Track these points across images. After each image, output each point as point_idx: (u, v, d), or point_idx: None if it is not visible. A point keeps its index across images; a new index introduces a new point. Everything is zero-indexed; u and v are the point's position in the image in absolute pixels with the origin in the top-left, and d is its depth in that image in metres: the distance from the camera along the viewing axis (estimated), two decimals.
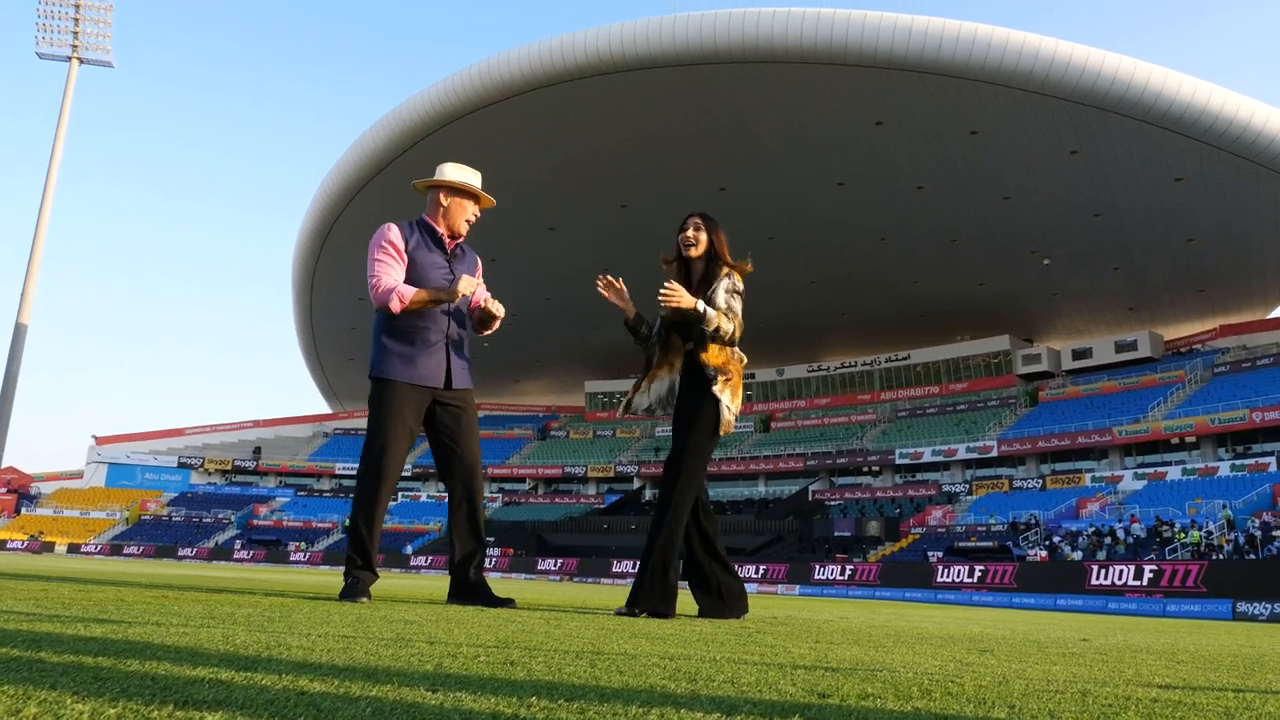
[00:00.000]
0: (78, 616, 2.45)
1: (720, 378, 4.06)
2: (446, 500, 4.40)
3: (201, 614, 2.78)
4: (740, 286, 4.12)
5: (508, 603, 4.09)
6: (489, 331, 4.45)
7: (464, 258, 4.36)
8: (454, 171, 4.31)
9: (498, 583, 20.61)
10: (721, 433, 4.12)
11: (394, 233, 4.17)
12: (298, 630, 2.34)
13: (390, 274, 4.08)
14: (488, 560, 35.30)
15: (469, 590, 4.18)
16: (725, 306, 4.05)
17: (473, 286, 4.13)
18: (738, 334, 4.08)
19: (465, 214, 4.31)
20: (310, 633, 2.27)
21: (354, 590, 4.04)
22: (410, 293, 4.05)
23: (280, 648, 1.84)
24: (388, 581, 11.77)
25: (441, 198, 4.29)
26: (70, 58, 49.10)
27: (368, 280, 4.12)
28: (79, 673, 1.30)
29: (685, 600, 4.19)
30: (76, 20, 47.74)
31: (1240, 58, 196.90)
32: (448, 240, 4.28)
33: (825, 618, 5.37)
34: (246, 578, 9.11)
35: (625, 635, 2.76)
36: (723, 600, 4.18)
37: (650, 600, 3.91)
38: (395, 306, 4.04)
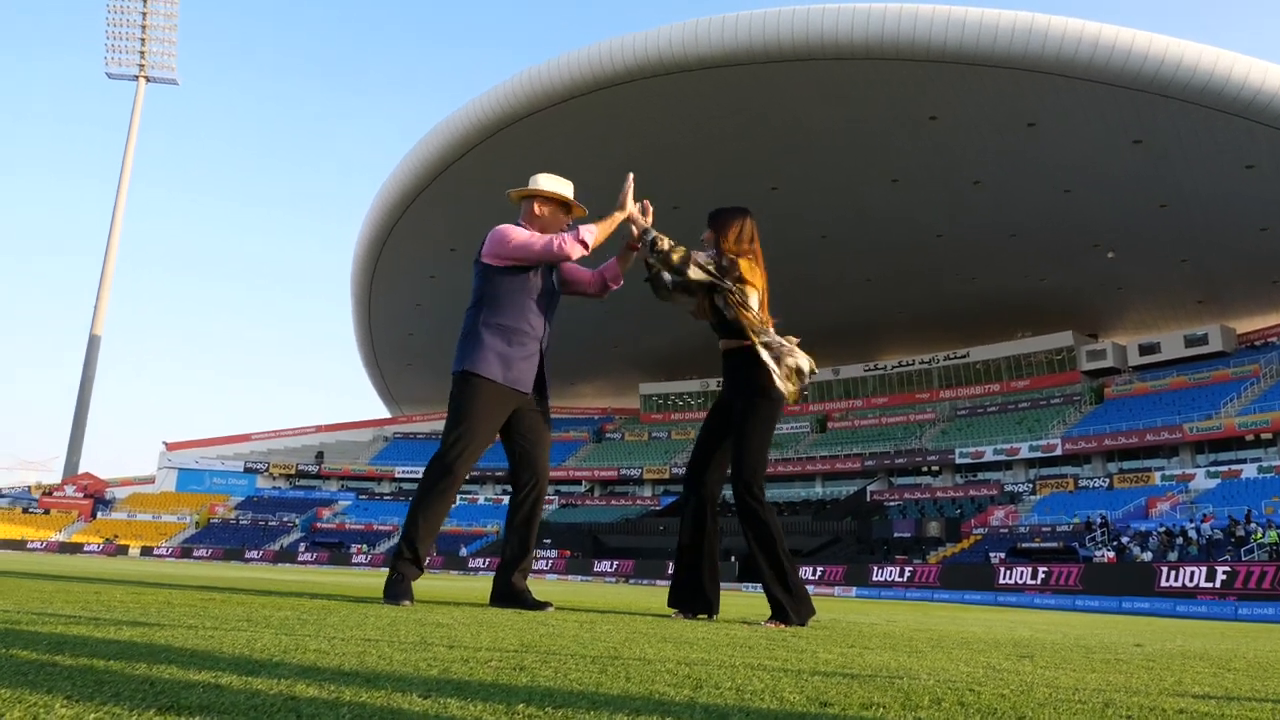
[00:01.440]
0: (116, 619, 2.51)
1: (761, 343, 3.89)
2: (508, 502, 4.39)
3: (239, 617, 2.84)
4: (735, 270, 3.95)
5: (545, 605, 4.09)
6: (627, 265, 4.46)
7: (556, 269, 4.38)
8: (548, 182, 4.32)
9: (554, 585, 20.72)
10: (789, 398, 3.96)
11: (514, 230, 4.18)
12: (324, 634, 2.37)
13: (577, 234, 4.10)
14: (545, 562, 35.23)
15: (511, 595, 4.20)
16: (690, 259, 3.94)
17: (632, 204, 4.23)
18: (694, 275, 3.93)
19: (559, 224, 4.30)
20: (335, 636, 2.30)
21: (397, 591, 4.01)
22: (589, 229, 4.11)
23: (298, 651, 1.86)
24: (440, 583, 11.94)
25: (536, 207, 4.28)
26: (138, 76, 50.82)
27: (524, 250, 4.07)
28: (84, 676, 1.32)
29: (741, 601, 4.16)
30: (143, 40, 49.32)
31: None
32: None
33: (872, 620, 5.28)
34: (304, 580, 9.30)
35: (655, 639, 2.74)
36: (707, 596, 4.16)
37: (800, 612, 3.87)
38: (579, 249, 4.07)
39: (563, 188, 4.33)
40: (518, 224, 4.25)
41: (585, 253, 4.08)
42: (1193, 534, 30.12)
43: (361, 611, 3.39)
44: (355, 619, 3.00)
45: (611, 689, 1.46)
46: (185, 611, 2.94)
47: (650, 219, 4.32)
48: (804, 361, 3.95)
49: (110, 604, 3.17)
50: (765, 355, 3.87)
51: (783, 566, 3.90)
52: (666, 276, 4.07)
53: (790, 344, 3.96)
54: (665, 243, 4.02)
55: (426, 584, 10.74)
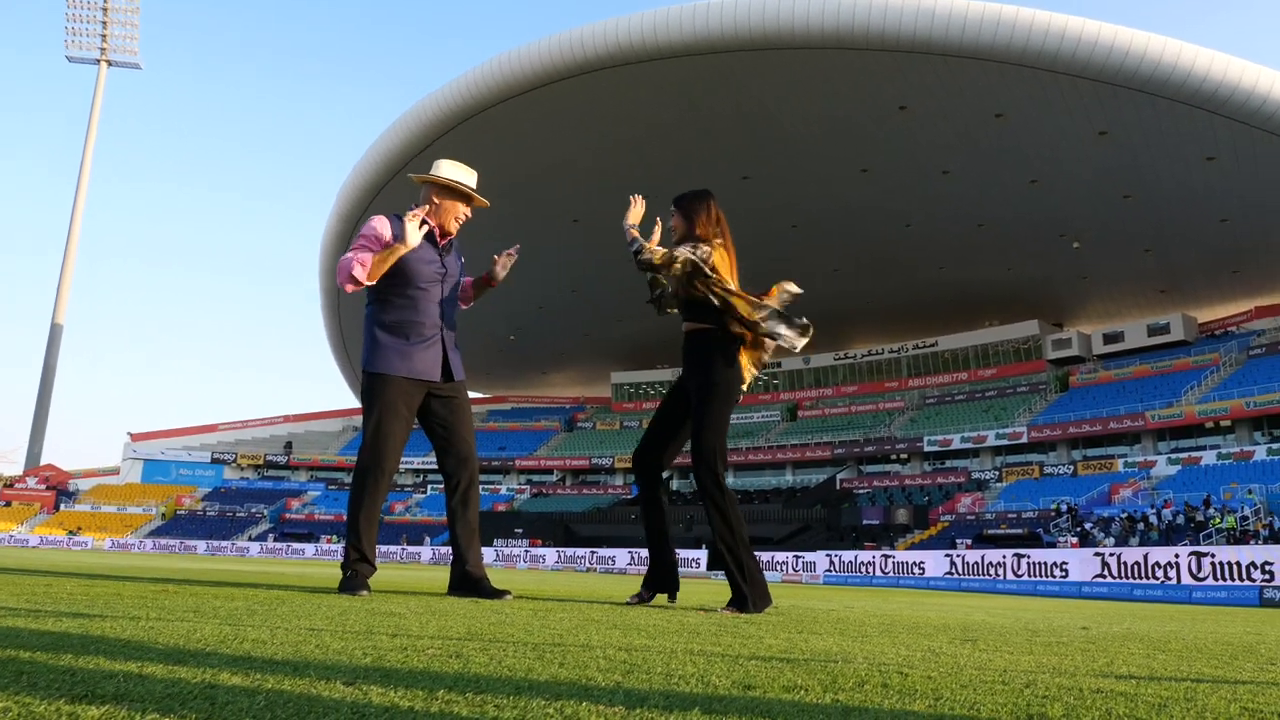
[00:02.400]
0: (58, 611, 2.49)
1: (766, 315, 3.98)
2: (445, 491, 4.40)
3: (186, 608, 2.81)
4: (699, 253, 3.95)
5: (503, 594, 4.10)
6: (494, 285, 4.48)
7: (454, 254, 4.36)
8: (450, 169, 4.29)
9: (525, 574, 20.55)
10: (745, 380, 4.05)
11: (379, 222, 4.13)
12: (269, 624, 2.36)
13: (360, 259, 3.99)
14: (519, 549, 35.08)
15: (468, 583, 4.20)
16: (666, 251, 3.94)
17: (419, 237, 4.05)
18: (676, 268, 3.92)
19: (455, 213, 4.29)
20: (279, 626, 2.29)
21: (353, 584, 4.05)
22: (367, 257, 3.99)
23: (235, 641, 1.86)
24: (406, 573, 11.90)
25: (434, 196, 4.28)
26: (99, 60, 49.82)
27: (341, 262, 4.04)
28: (4, 667, 1.31)
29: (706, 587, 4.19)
30: (105, 23, 48.33)
31: (1270, 30, 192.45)
32: (439, 236, 4.27)
33: (829, 607, 5.35)
34: (265, 571, 9.23)
35: (604, 626, 2.76)
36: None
37: (757, 601, 3.87)
38: (360, 275, 3.95)
39: (464, 176, 4.30)
40: (409, 209, 4.20)
41: (354, 288, 3.99)
42: (1154, 519, 30.71)
43: (315, 601, 3.38)
44: (307, 609, 2.99)
45: (542, 675, 1.47)
46: (132, 603, 2.91)
47: (640, 211, 4.24)
48: (802, 318, 4.05)
49: (57, 596, 3.14)
50: (777, 325, 3.96)
51: (739, 554, 3.93)
52: (665, 288, 4.13)
53: (748, 308, 4.00)
54: (657, 255, 3.94)
55: (393, 574, 10.70)
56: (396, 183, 43.07)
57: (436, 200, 4.26)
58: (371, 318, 4.21)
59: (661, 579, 4.28)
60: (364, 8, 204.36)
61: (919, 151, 37.41)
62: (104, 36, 49.06)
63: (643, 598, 4.24)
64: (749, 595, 3.84)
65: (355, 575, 4.09)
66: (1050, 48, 30.64)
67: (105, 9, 47.36)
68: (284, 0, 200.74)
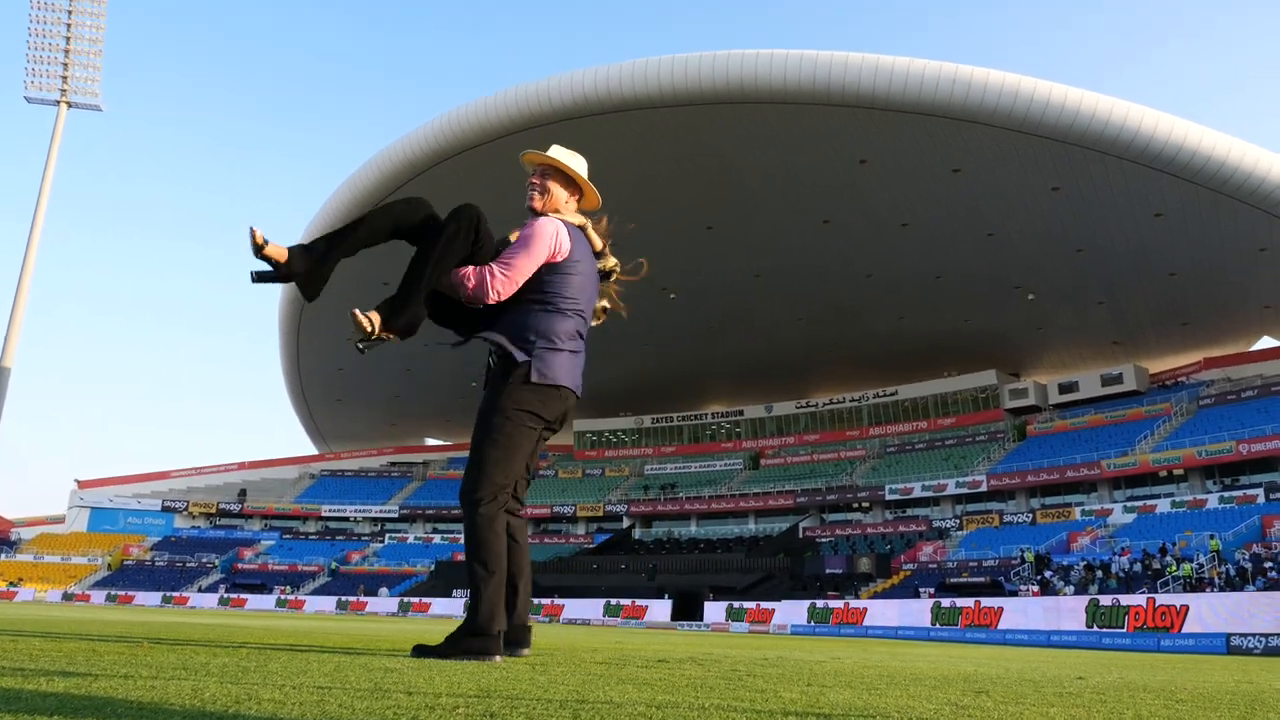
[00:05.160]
0: (43, 670, 2.36)
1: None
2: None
3: (174, 665, 2.69)
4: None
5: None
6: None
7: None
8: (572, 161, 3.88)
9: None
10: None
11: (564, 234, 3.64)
12: (272, 682, 2.26)
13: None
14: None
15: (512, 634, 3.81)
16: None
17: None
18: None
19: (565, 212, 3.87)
20: (285, 684, 2.19)
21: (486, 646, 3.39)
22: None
23: (251, 701, 1.77)
24: (369, 625, 11.60)
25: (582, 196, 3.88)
26: (59, 101, 49.26)
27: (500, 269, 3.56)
28: None
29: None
30: (66, 64, 47.93)
31: (1216, 87, 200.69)
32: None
33: (817, 658, 5.28)
34: (227, 624, 8.93)
35: (612, 682, 2.69)
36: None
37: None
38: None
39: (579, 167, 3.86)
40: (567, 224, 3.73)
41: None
42: (1114, 568, 31.04)
43: (302, 659, 3.25)
44: (298, 666, 2.88)
45: None
46: (115, 661, 2.78)
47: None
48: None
49: (32, 654, 2.99)
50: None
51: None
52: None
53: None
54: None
55: (359, 626, 10.42)
56: None
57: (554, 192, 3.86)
58: (540, 318, 3.73)
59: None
60: (334, 51, 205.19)
61: (879, 204, 38.19)
62: (65, 78, 48.60)
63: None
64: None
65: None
66: (1004, 106, 31.62)
67: (67, 50, 46.98)
68: (249, 44, 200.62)
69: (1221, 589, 26.74)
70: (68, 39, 48.16)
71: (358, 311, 3.56)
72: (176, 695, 1.82)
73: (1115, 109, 31.42)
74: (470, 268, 3.57)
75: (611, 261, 3.92)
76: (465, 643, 3.37)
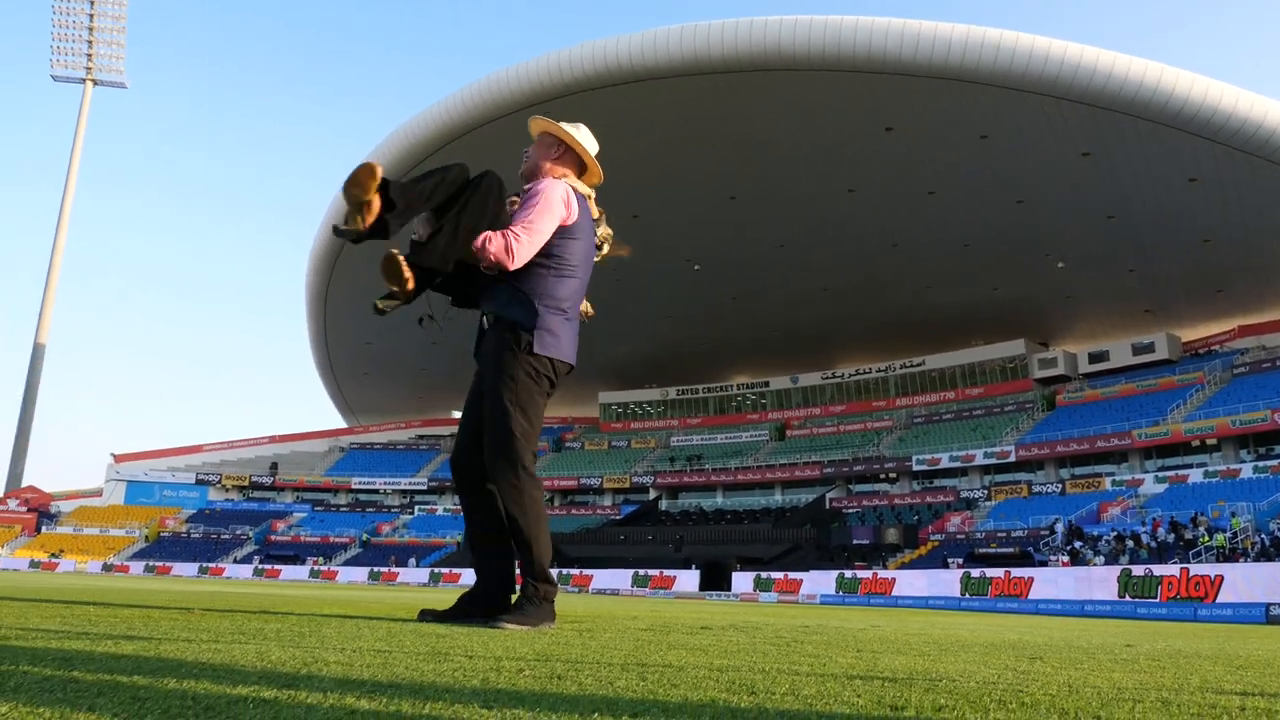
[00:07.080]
0: (107, 634, 2.39)
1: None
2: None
3: (230, 630, 2.73)
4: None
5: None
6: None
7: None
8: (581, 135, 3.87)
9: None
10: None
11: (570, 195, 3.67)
12: (330, 645, 2.28)
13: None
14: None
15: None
16: None
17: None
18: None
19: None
20: (345, 648, 2.21)
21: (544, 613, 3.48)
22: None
23: (318, 664, 1.78)
24: (405, 594, 11.73)
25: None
26: (85, 79, 49.63)
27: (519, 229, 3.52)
28: (116, 692, 1.24)
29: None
30: (90, 42, 48.17)
31: (1251, 53, 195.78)
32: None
33: (858, 626, 5.28)
34: (266, 593, 9.07)
35: (664, 647, 2.69)
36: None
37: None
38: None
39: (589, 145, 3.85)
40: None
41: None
42: (1145, 538, 30.78)
43: (353, 624, 3.29)
44: (351, 630, 2.91)
45: (669, 696, 1.40)
46: (173, 626, 2.81)
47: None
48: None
49: (91, 619, 3.04)
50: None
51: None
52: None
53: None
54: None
55: (394, 595, 10.55)
56: None
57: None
58: (541, 284, 3.78)
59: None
60: (354, 27, 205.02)
61: (905, 172, 37.68)
62: (90, 55, 48.89)
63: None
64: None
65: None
66: (1034, 70, 31.00)
67: (91, 28, 47.23)
68: (272, 22, 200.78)
69: (1255, 559, 26.46)
70: (91, 16, 48.41)
71: (401, 259, 3.50)
72: (244, 658, 1.83)
73: (1148, 71, 30.71)
74: (490, 232, 3.53)
75: (605, 230, 3.94)
76: (542, 609, 3.45)
